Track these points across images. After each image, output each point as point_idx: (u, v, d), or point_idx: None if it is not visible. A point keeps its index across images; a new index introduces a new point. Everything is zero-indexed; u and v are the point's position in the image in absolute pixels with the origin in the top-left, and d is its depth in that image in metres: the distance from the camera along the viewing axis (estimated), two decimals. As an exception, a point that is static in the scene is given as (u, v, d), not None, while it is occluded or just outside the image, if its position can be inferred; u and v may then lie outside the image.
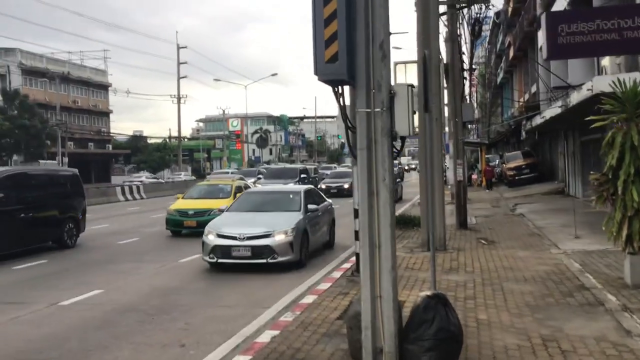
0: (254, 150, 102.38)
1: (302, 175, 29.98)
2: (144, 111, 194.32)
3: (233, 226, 12.01)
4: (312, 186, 16.64)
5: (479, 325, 7.07)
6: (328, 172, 50.73)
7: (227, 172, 49.31)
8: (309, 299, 8.84)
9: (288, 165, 38.27)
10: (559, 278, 9.64)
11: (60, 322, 8.48)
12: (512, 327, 6.98)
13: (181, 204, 18.79)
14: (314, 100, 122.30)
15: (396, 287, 5.55)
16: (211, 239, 11.82)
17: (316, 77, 5.32)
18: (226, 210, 13.70)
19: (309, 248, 12.60)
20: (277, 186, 21.20)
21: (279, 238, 11.60)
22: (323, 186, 33.86)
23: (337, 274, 10.79)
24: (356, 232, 9.76)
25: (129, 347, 7.21)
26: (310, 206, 13.13)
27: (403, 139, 5.61)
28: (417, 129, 8.00)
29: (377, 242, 5.43)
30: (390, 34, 5.46)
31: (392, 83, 5.49)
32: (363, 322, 5.54)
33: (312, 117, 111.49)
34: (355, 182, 9.82)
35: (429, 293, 5.81)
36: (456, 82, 17.24)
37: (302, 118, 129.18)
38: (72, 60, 73.44)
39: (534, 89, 33.67)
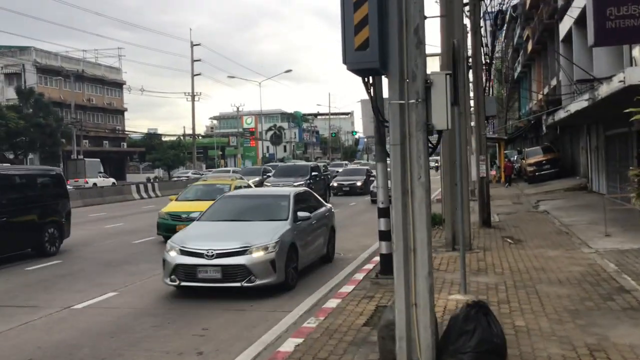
0: (268, 148, 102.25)
1: (314, 173, 28.07)
2: (158, 109, 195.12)
3: (201, 240, 9.69)
4: (305, 188, 14.37)
5: (517, 333, 6.59)
6: (339, 169, 48.62)
7: (229, 171, 47.89)
8: (333, 303, 8.40)
9: (298, 162, 36.64)
10: (595, 280, 9.13)
11: (73, 327, 8.12)
12: (554, 334, 6.49)
13: (174, 206, 16.82)
14: (328, 97, 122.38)
15: (433, 294, 5.09)
16: (172, 256, 9.52)
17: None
18: (197, 219, 11.25)
19: (299, 266, 10.30)
20: (264, 189, 19.65)
21: (257, 255, 9.26)
22: (335, 184, 33.18)
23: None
24: (381, 232, 9.36)
25: (144, 354, 6.82)
26: (300, 214, 10.78)
27: (440, 133, 5.15)
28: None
29: (411, 246, 4.98)
30: (425, 18, 5.01)
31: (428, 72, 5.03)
32: (397, 332, 5.10)
33: (326, 114, 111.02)
34: (380, 179, 9.38)
35: (468, 301, 5.34)
36: (479, 75, 16.69)
37: (316, 115, 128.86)
38: (86, 59, 73.52)
39: (554, 82, 32.96)
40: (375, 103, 5.06)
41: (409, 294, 5.03)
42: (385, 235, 9.32)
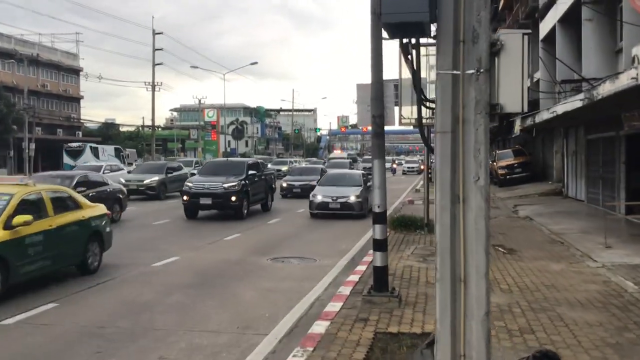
0: (229, 142, 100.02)
1: (251, 172, 21.02)
2: (117, 99, 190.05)
3: None
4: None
5: (561, 378, 5.26)
6: (282, 167, 45.61)
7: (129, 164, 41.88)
8: (320, 328, 6.94)
9: (232, 159, 28.75)
10: (620, 302, 7.91)
11: (-6, 353, 6.48)
12: (607, 381, 5.20)
13: None
14: (292, 93, 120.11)
15: (490, 343, 3.67)
16: None
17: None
18: None
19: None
20: None
21: None
22: (284, 184, 28.65)
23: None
24: (376, 241, 7.94)
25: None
26: None
27: (508, 118, 3.75)
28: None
29: (461, 275, 3.56)
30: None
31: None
32: (437, 395, 3.68)
33: (290, 110, 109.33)
34: (377, 179, 7.95)
35: (535, 353, 3.96)
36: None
37: (279, 110, 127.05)
38: (42, 43, 70.14)
39: (528, 83, 32.17)
40: (419, 74, 3.64)
41: (457, 342, 3.61)
42: (380, 245, 7.91)
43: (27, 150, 51.91)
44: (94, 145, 52.38)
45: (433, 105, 3.79)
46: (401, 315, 7.39)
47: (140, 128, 77.68)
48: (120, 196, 19.00)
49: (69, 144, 52.57)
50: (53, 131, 68.30)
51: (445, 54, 3.51)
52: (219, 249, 13.69)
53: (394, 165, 67.15)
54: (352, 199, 19.60)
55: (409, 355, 4.71)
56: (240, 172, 20.46)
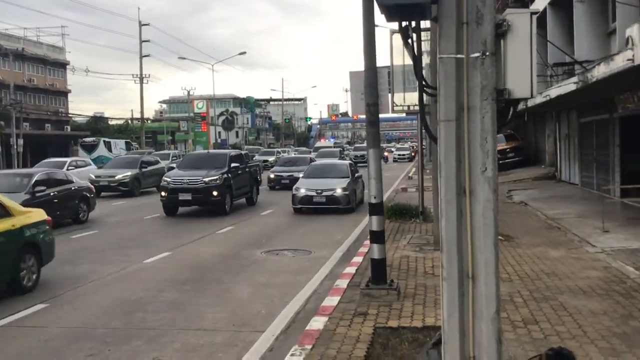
0: (219, 133, 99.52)
1: (234, 164, 19.57)
2: (106, 92, 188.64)
3: None
4: None
5: (570, 371, 5.08)
6: (270, 158, 44.72)
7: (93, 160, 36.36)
8: (318, 324, 6.74)
9: (213, 151, 27.09)
10: (623, 289, 7.76)
11: (-19, 360, 6.25)
12: (617, 373, 5.03)
13: None
14: (281, 82, 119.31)
15: (501, 345, 3.47)
16: None
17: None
18: None
19: None
20: None
21: None
22: (272, 175, 27.95)
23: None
24: (373, 233, 7.74)
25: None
26: None
27: (515, 103, 3.53)
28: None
29: (469, 271, 3.36)
30: None
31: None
32: (446, 398, 3.48)
33: (280, 100, 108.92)
34: (373, 169, 7.74)
35: (547, 350, 3.77)
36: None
37: (269, 100, 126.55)
38: (27, 37, 69.23)
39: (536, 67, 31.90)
40: (420, 61, 3.41)
41: (465, 343, 3.41)
42: (377, 237, 7.72)
43: (15, 146, 51.39)
44: (106, 139, 54.82)
45: (434, 92, 3.58)
46: (401, 308, 7.21)
47: (130, 121, 77.13)
48: (87, 194, 17.67)
49: (83, 139, 55.09)
50: (41, 126, 67.61)
51: (448, 37, 3.29)
52: (212, 242, 13.47)
53: (386, 153, 66.64)
54: (339, 191, 18.09)
55: (414, 356, 4.51)
56: (222, 164, 19.18)
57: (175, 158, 37.38)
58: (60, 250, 10.73)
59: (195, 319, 7.47)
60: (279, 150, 60.11)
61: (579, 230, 12.49)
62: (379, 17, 7.59)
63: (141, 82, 61.28)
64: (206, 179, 18.05)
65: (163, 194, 18.26)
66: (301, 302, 8.14)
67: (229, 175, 18.93)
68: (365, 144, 70.23)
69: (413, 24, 3.47)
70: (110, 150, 50.60)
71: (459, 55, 3.26)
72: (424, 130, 30.62)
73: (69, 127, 74.86)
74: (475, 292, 3.35)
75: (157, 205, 19.16)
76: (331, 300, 7.67)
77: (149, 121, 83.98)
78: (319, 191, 18.09)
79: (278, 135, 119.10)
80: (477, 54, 3.25)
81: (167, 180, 18.54)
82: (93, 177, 24.72)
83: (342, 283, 8.64)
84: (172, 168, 25.38)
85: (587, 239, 11.53)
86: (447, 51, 3.28)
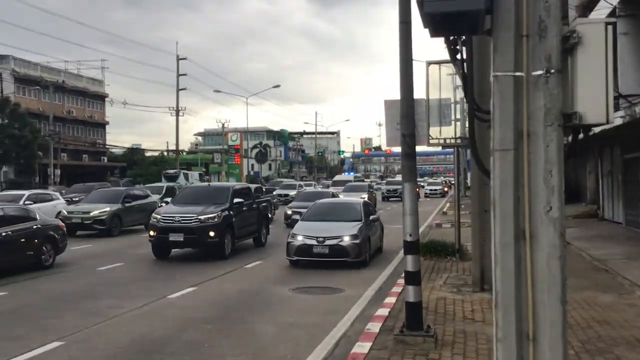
0: (252, 165, 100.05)
1: (238, 200, 17.08)
2: (144, 125, 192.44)
3: None
4: None
5: None
6: (292, 192, 40.76)
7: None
8: (348, 374, 6.14)
9: (215, 184, 24.24)
10: (687, 342, 6.99)
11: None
12: None
13: None
14: (315, 115, 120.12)
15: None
16: None
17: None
18: None
19: None
20: None
21: None
22: (288, 212, 25.77)
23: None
24: (408, 274, 7.16)
25: None
26: None
27: (585, 130, 3.00)
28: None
29: (530, 332, 2.78)
30: None
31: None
32: None
33: (313, 133, 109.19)
34: (408, 204, 7.20)
35: None
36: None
37: (302, 133, 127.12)
38: (68, 70, 71.07)
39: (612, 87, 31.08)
40: (471, 79, 2.92)
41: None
42: (413, 278, 7.12)
43: (52, 177, 52.17)
44: (185, 171, 59.14)
45: (487, 117, 3.07)
46: (439, 358, 6.57)
47: (165, 152, 78.06)
48: (55, 234, 14.77)
49: (167, 170, 59.20)
50: (78, 157, 68.77)
51: (505, 52, 2.79)
52: (239, 277, 12.99)
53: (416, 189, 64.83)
54: (347, 240, 13.95)
55: None
56: (224, 200, 16.66)
57: (167, 194, 32.30)
58: None
59: (215, 363, 6.96)
60: (302, 183, 55.89)
61: (629, 273, 11.65)
62: (416, 46, 7.13)
63: (177, 115, 62.03)
64: (202, 217, 15.52)
65: (152, 233, 15.78)
66: (330, 347, 7.55)
67: (231, 212, 16.41)
68: (397, 178, 68.90)
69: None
70: (187, 180, 52.77)
71: (517, 73, 2.75)
72: (466, 163, 29.31)
73: (105, 158, 76.01)
74: (537, 357, 2.76)
75: (125, 251, 17.37)
76: (362, 347, 7.06)
77: (183, 153, 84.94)
78: (321, 239, 14.01)
79: (311, 168, 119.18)
80: (539, 72, 2.74)
81: (156, 217, 16.04)
82: (65, 213, 21.89)
83: (374, 327, 8.02)
84: (167, 203, 22.38)
85: (638, 282, 10.70)
86: (504, 68, 2.77)
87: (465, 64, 3.01)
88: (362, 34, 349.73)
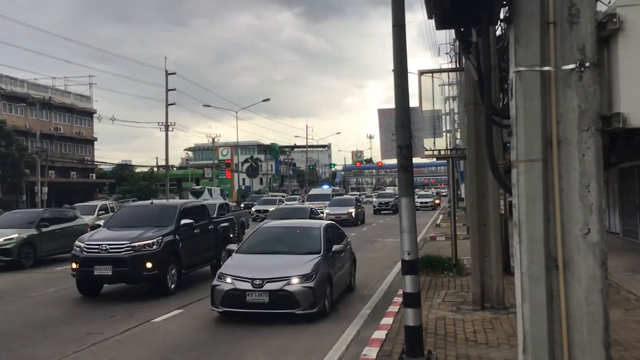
0: (244, 180, 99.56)
1: (185, 221, 13.77)
2: (134, 141, 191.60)
3: None
4: None
5: None
6: (268, 207, 37.55)
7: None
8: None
9: (159, 202, 20.09)
10: None
11: None
12: None
13: None
14: (305, 129, 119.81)
15: None
16: None
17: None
18: None
19: None
20: None
21: None
22: None
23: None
24: (406, 296, 6.65)
25: None
26: None
27: (629, 135, 2.51)
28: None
29: (566, 381, 2.27)
30: None
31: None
32: None
33: (304, 147, 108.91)
34: (406, 220, 6.67)
35: None
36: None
37: (293, 147, 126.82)
38: (55, 87, 70.41)
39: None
40: (487, 77, 2.43)
41: None
42: (412, 300, 6.61)
43: (39, 194, 51.35)
44: (209, 187, 64.41)
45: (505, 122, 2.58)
46: (442, 388, 6.04)
47: (155, 168, 77.43)
48: None
49: (193, 187, 66.58)
50: (66, 174, 67.95)
51: (528, 43, 2.30)
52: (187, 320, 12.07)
53: None
54: (295, 282, 9.74)
55: None
56: (168, 221, 13.49)
57: (103, 212, 28.02)
58: None
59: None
60: (282, 198, 52.60)
61: (633, 287, 11.19)
62: (409, 54, 6.69)
63: (167, 130, 61.36)
64: (136, 244, 12.36)
65: (73, 265, 12.59)
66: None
67: (176, 237, 13.27)
68: (387, 191, 67.40)
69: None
70: (211, 195, 56.64)
71: (545, 68, 2.26)
72: (459, 174, 28.88)
73: (94, 175, 75.21)
74: (576, 413, 2.26)
75: (34, 288, 13.95)
76: (359, 376, 6.53)
77: (174, 168, 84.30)
78: (258, 282, 9.72)
79: (302, 181, 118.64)
80: (571, 66, 2.26)
81: (79, 245, 12.73)
82: None
83: (371, 352, 7.48)
84: (99, 226, 18.35)
85: (646, 297, 10.24)
86: (528, 62, 2.29)
87: (486, 54, 2.50)
88: (351, 48, 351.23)
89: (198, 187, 65.74)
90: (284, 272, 9.91)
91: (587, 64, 2.26)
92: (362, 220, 35.77)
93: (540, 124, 2.30)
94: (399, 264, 7.84)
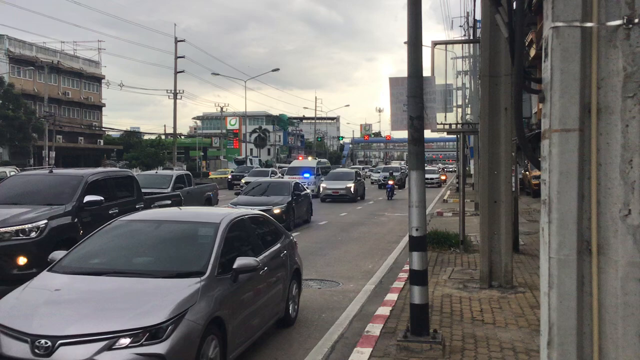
0: (251, 150, 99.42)
1: (91, 198, 10.15)
2: (143, 108, 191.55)
3: None
4: None
5: None
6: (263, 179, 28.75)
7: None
8: (345, 388, 5.39)
9: (61, 171, 11.63)
10: None
11: None
12: None
13: None
14: (314, 100, 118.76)
15: None
16: None
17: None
18: None
19: None
20: None
21: None
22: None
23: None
24: (413, 272, 6.40)
25: None
26: None
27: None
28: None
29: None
30: None
31: None
32: None
33: (312, 118, 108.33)
34: (415, 195, 6.40)
35: None
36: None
37: (301, 119, 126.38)
38: (64, 51, 69.97)
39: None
40: (520, 35, 2.15)
41: None
42: (419, 277, 6.37)
43: (47, 159, 51.38)
44: (250, 157, 69.56)
45: (538, 89, 2.30)
46: (447, 369, 5.84)
47: (162, 136, 77.34)
48: None
49: (237, 156, 71.72)
50: (74, 139, 67.96)
51: (568, -6, 2.00)
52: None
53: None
54: (123, 345, 4.62)
55: None
56: (66, 198, 9.98)
57: None
58: None
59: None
60: (276, 169, 46.61)
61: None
62: (422, 27, 6.35)
63: (175, 98, 61.01)
64: (2, 229, 8.83)
65: None
66: (325, 350, 6.83)
67: (75, 219, 9.83)
68: (393, 165, 64.85)
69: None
70: (251, 163, 62.76)
71: (586, 24, 1.97)
72: (469, 150, 28.40)
73: (102, 141, 75.20)
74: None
75: None
76: (361, 354, 6.32)
77: (182, 137, 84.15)
78: (44, 345, 4.62)
79: (310, 153, 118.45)
80: (617, 22, 1.96)
81: None
82: None
83: (374, 329, 7.29)
84: None
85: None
86: (566, 17, 1.99)
87: (519, 17, 2.20)
88: (362, 20, 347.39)
89: (241, 157, 69.16)
90: (105, 318, 4.89)
91: (636, 20, 1.97)
92: (361, 196, 33.00)
93: (578, 88, 2.02)
94: (405, 239, 7.62)
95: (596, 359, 2.03)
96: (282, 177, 32.28)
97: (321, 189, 31.52)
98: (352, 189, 31.08)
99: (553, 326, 2.07)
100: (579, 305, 2.04)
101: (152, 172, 23.42)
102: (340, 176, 33.24)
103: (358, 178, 33.58)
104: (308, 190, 22.16)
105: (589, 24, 2.00)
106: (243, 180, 37.34)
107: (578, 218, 2.04)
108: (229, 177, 47.68)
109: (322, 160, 45.29)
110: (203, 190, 21.27)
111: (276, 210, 17.50)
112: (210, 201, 21.22)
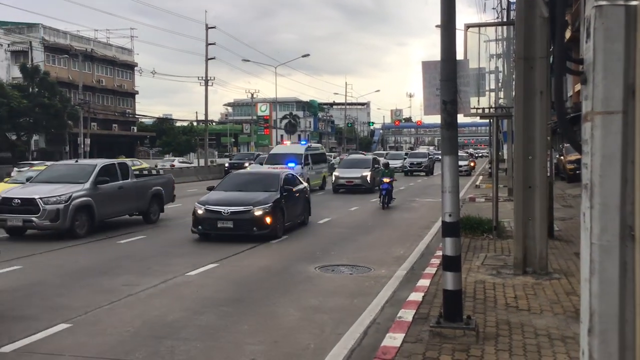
0: (282, 136, 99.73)
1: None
2: (175, 95, 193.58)
3: None
4: None
5: None
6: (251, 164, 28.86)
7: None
8: (378, 373, 5.39)
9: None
10: None
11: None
12: None
13: None
14: (345, 86, 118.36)
15: None
16: None
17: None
18: None
19: None
20: None
21: None
22: (199, 210, 13.99)
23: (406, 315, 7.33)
24: (446, 258, 6.35)
25: None
26: None
27: None
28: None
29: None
30: None
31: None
32: None
33: (343, 104, 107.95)
34: (449, 180, 6.36)
35: None
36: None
37: (332, 104, 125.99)
38: (97, 39, 70.90)
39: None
40: (562, 14, 2.09)
41: None
42: (452, 263, 6.32)
43: (82, 146, 52.25)
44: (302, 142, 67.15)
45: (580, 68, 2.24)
46: (481, 355, 5.78)
47: (194, 122, 78.00)
48: None
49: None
50: (108, 126, 68.99)
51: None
52: (264, 254, 12.34)
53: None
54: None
55: None
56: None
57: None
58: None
59: (230, 351, 6.30)
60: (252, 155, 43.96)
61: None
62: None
63: (206, 84, 61.36)
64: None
65: None
66: (358, 335, 6.85)
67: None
68: (420, 150, 61.73)
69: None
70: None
71: (631, 2, 1.90)
72: (502, 135, 27.88)
73: (135, 128, 76.16)
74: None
75: None
76: (393, 339, 6.32)
77: (213, 123, 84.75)
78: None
79: (340, 139, 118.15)
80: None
81: None
82: None
83: (407, 314, 7.27)
84: None
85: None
86: (611, -6, 1.92)
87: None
88: (393, 4, 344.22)
89: (289, 143, 72.80)
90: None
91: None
92: (379, 185, 27.26)
93: (622, 69, 1.96)
94: (437, 225, 7.56)
95: (639, 346, 1.98)
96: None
97: (334, 178, 28.23)
98: (368, 178, 27.47)
99: (594, 313, 2.03)
100: (621, 293, 1.99)
101: (71, 161, 20.03)
102: (355, 163, 29.40)
103: (376, 166, 29.12)
104: (305, 184, 17.90)
105: (633, 2, 1.93)
106: (249, 168, 31.14)
107: (621, 203, 1.99)
108: (226, 165, 43.55)
109: (314, 145, 38.05)
110: (147, 184, 17.36)
111: (257, 213, 13.61)
112: (161, 198, 17.52)
